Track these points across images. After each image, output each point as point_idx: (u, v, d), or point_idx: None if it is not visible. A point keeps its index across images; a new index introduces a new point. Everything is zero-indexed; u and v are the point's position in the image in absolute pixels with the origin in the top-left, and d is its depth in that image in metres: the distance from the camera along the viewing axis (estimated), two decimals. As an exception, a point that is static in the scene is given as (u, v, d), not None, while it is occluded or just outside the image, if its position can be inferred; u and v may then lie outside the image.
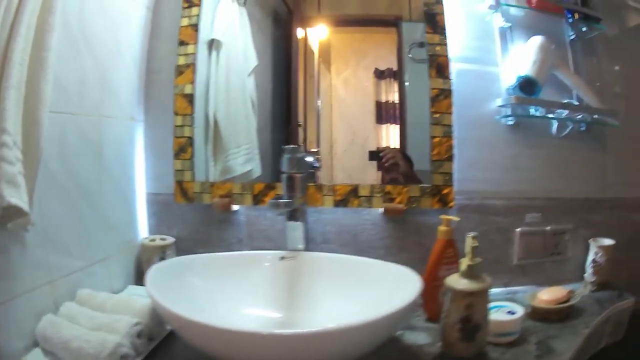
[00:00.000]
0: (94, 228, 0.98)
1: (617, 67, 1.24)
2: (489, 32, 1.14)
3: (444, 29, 1.09)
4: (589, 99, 1.16)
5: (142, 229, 1.18)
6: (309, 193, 1.07)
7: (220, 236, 1.14)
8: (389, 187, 1.07)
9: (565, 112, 1.14)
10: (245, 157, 1.17)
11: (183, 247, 1.14)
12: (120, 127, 1.11)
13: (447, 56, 1.08)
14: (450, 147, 1.07)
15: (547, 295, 1.04)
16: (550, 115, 1.12)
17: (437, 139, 1.07)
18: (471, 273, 0.83)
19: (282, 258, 0.99)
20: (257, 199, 1.11)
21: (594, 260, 1.18)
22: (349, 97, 1.20)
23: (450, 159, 1.07)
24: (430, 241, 0.97)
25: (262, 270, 0.97)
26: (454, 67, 1.10)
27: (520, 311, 0.92)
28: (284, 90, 1.20)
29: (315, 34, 1.21)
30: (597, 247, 1.17)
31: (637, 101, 1.25)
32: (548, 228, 1.16)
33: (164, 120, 1.16)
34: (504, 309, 0.94)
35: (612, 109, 1.17)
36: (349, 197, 1.07)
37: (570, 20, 1.18)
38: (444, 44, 1.08)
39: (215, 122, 1.17)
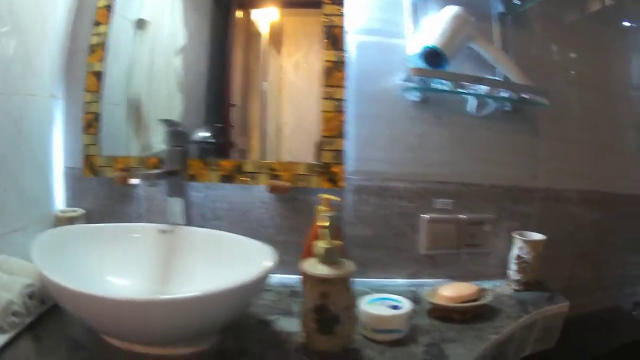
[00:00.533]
0: (12, 199, 1.00)
1: (553, 44, 1.12)
2: (398, 4, 1.06)
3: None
4: (512, 76, 1.05)
5: (59, 202, 1.21)
6: (196, 168, 1.04)
7: (123, 210, 1.13)
8: (275, 164, 1.02)
9: (485, 89, 1.04)
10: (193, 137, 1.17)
11: (92, 220, 1.14)
12: (41, 104, 1.14)
13: (342, 27, 1.02)
14: (341, 123, 1.00)
15: (450, 292, 0.93)
16: (462, 90, 1.02)
17: (327, 114, 1.00)
18: (328, 258, 0.75)
19: (163, 232, 0.97)
20: (153, 174, 1.10)
21: (518, 257, 1.06)
22: (298, 81, 1.17)
23: (341, 135, 1.00)
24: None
25: (143, 243, 0.96)
26: (355, 39, 1.04)
27: (407, 306, 0.83)
28: (219, 70, 1.19)
29: (263, 16, 1.19)
30: (522, 242, 1.05)
31: (577, 81, 1.12)
32: (462, 216, 1.06)
33: (80, 98, 1.19)
34: (388, 303, 0.84)
35: (540, 87, 1.05)
36: (234, 173, 1.03)
37: (495, -11, 1.09)
38: (339, 14, 1.02)
39: (137, 99, 1.18)
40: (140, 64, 1.19)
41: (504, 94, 1.05)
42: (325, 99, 1.01)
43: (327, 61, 1.02)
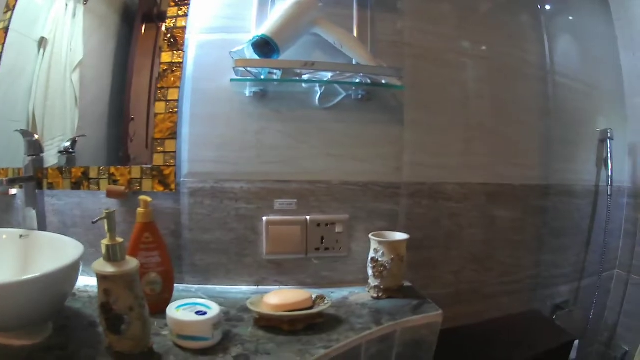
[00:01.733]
0: None
1: (423, 23, 1.00)
2: (246, -1, 1.02)
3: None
4: (360, 58, 0.95)
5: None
6: (54, 176, 1.08)
7: (7, 219, 1.19)
8: (113, 169, 1.02)
9: (327, 76, 0.95)
10: (58, 149, 1.23)
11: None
12: None
13: (184, 27, 1.00)
14: (174, 124, 0.97)
15: (276, 300, 0.85)
16: (295, 79, 0.94)
17: (160, 116, 0.98)
18: (110, 255, 0.74)
19: (21, 236, 1.02)
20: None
21: (373, 259, 0.94)
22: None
23: (173, 136, 0.97)
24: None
25: (6, 246, 1.02)
26: (196, 39, 1.01)
27: (214, 312, 0.78)
28: (122, 85, 1.24)
29: None
30: (378, 244, 0.93)
31: (447, 62, 0.98)
32: (307, 217, 0.96)
33: None
34: (197, 308, 0.80)
35: (391, 67, 0.93)
36: (82, 179, 1.05)
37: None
38: (183, 14, 1.01)
39: (34, 115, 1.26)
40: (38, 82, 1.28)
41: (354, 79, 0.95)
42: (159, 101, 0.99)
43: (162, 63, 1.00)
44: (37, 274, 0.73)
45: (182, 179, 0.98)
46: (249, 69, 0.94)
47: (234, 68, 0.94)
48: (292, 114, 0.97)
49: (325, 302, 0.86)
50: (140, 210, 0.87)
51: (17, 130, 1.03)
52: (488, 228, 1.05)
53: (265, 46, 0.94)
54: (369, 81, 0.95)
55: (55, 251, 0.93)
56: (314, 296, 0.87)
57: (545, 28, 1.17)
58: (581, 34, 1.28)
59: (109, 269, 0.71)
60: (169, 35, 1.02)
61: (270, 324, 0.83)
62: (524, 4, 1.18)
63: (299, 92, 0.97)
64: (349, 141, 0.97)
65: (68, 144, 1.11)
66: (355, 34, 0.99)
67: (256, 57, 0.95)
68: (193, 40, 1.01)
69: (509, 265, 1.09)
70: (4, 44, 1.25)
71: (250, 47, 0.95)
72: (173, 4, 1.03)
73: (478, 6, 1.10)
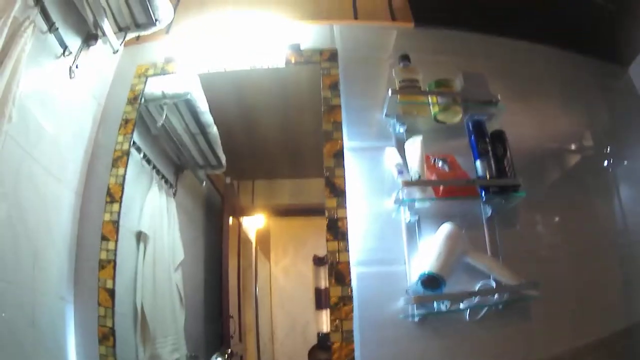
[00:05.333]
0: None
1: (539, 227, 1.21)
2: (395, 229, 1.14)
3: (346, 234, 1.11)
4: (505, 279, 1.14)
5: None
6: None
7: None
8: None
9: (477, 299, 1.14)
10: (172, 347, 1.26)
11: None
12: (52, 304, 1.20)
13: (347, 262, 1.11)
14: (351, 352, 1.10)
15: None
16: (460, 306, 1.12)
17: (336, 344, 1.11)
18: None
19: None
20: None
21: None
22: (288, 286, 1.26)
23: (352, 362, 1.11)
24: None
25: None
26: (355, 272, 1.13)
27: None
28: (216, 281, 1.27)
29: (252, 223, 1.27)
30: None
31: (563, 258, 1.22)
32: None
33: (90, 306, 1.23)
34: None
35: (531, 282, 1.12)
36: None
37: (484, 198, 1.16)
38: (344, 250, 1.11)
39: (143, 312, 1.28)
40: (143, 277, 1.27)
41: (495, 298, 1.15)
42: (334, 332, 1.11)
43: (332, 297, 1.11)
44: None
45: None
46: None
47: (407, 302, 1.09)
48: (447, 331, 1.15)
49: None
50: None
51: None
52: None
53: (433, 281, 1.09)
54: (510, 298, 1.15)
55: None
56: None
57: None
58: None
59: None
60: (334, 271, 1.11)
61: None
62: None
63: (453, 311, 1.15)
64: (491, 344, 1.18)
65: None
66: (488, 252, 1.18)
67: (423, 290, 1.10)
68: (354, 272, 1.13)
69: None
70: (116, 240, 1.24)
71: (419, 283, 1.10)
72: (331, 237, 1.12)
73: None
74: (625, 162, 1.51)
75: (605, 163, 1.47)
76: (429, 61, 1.37)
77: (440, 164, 1.23)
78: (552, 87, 1.53)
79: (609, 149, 1.49)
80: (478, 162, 1.20)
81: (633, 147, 1.52)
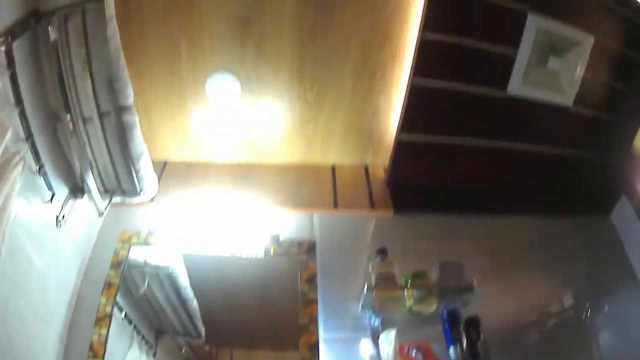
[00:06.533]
0: None
1: None
2: None
3: None
4: None
5: None
6: None
7: None
8: None
9: None
10: None
11: None
12: None
13: None
14: None
15: None
16: None
17: None
18: None
19: None
20: None
21: None
22: None
23: None
24: None
25: None
26: None
27: None
28: None
29: None
30: None
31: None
32: None
33: None
34: None
35: None
36: None
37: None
38: None
39: None
40: None
41: None
42: None
43: None
44: None
45: None
46: None
47: None
48: None
49: None
50: None
51: None
52: None
53: None
54: None
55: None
56: None
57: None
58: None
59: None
60: None
61: None
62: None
63: None
64: None
65: None
66: None
67: None
68: None
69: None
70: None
71: None
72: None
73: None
74: (606, 308, 1.52)
75: (584, 316, 1.49)
76: (407, 249, 1.43)
77: (414, 352, 1.29)
78: (535, 256, 1.57)
79: (588, 305, 1.50)
80: (451, 349, 1.25)
81: (613, 293, 1.54)
